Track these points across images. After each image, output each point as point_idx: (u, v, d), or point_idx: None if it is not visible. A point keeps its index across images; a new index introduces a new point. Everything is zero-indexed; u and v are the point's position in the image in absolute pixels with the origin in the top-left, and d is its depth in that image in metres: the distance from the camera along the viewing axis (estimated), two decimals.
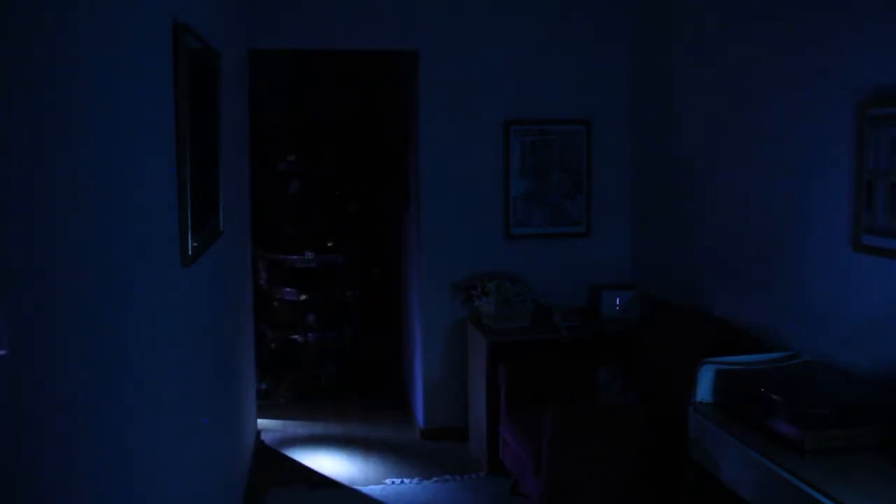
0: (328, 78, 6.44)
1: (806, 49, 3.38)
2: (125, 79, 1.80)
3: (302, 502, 4.25)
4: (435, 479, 4.49)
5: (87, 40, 1.52)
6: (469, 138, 4.98)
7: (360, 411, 5.63)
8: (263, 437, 5.08)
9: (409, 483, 4.44)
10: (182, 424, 2.42)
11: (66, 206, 1.39)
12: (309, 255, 6.06)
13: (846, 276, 3.15)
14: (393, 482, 4.45)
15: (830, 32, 3.23)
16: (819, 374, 3.06)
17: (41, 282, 1.26)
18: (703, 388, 3.12)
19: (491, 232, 5.05)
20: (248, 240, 4.69)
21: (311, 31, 4.78)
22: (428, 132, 4.95)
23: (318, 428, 5.33)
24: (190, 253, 2.38)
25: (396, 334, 6.18)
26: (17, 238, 1.17)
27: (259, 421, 5.18)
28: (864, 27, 3.05)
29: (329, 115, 6.54)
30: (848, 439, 2.62)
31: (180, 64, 2.29)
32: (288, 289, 6.03)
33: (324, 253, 6.19)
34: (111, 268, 1.65)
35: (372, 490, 4.36)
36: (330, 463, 4.74)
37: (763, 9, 3.71)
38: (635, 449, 3.60)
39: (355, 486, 4.41)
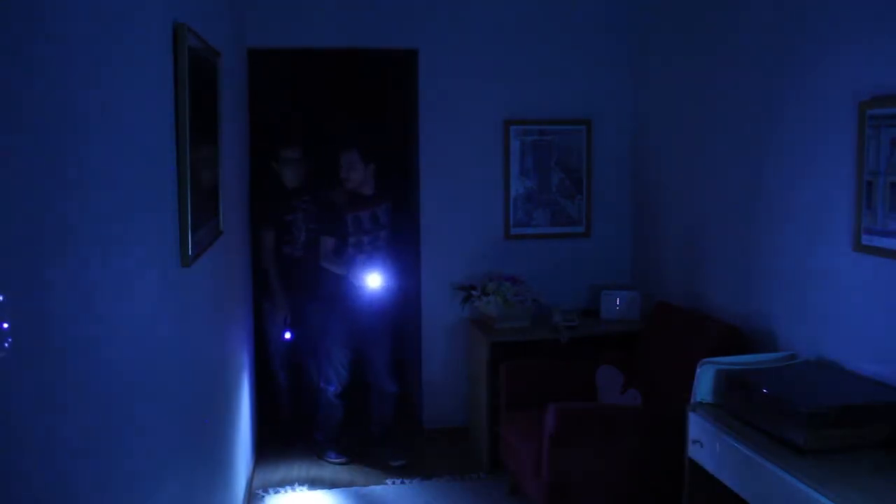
0: (327, 78, 6.43)
1: (806, 49, 3.39)
2: (125, 79, 1.80)
3: (302, 502, 4.25)
4: (435, 479, 4.49)
5: (88, 40, 1.52)
6: (469, 138, 4.98)
7: (360, 411, 5.62)
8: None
9: (409, 483, 4.44)
10: (181, 425, 2.42)
11: (66, 205, 1.39)
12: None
13: (846, 276, 3.15)
14: (393, 482, 4.45)
15: (831, 33, 3.23)
16: (819, 374, 3.06)
17: (41, 281, 1.26)
18: (703, 389, 3.12)
19: (491, 232, 5.05)
20: (247, 239, 4.68)
21: (311, 29, 4.78)
22: (428, 132, 4.95)
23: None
24: (190, 253, 2.38)
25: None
26: (17, 238, 1.17)
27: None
28: (865, 28, 3.05)
29: (329, 113, 6.53)
30: (848, 439, 2.62)
31: (180, 64, 2.29)
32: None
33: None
34: (111, 267, 1.65)
35: (372, 490, 4.36)
36: (330, 462, 4.73)
37: (764, 9, 3.71)
38: (635, 449, 3.60)
39: (355, 486, 4.41)
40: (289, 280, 4.77)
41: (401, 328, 4.90)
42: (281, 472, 4.59)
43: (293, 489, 4.37)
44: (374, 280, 4.44)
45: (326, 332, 4.62)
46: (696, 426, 3.05)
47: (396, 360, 4.82)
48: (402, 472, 4.55)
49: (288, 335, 4.78)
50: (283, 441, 4.81)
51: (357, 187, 4.52)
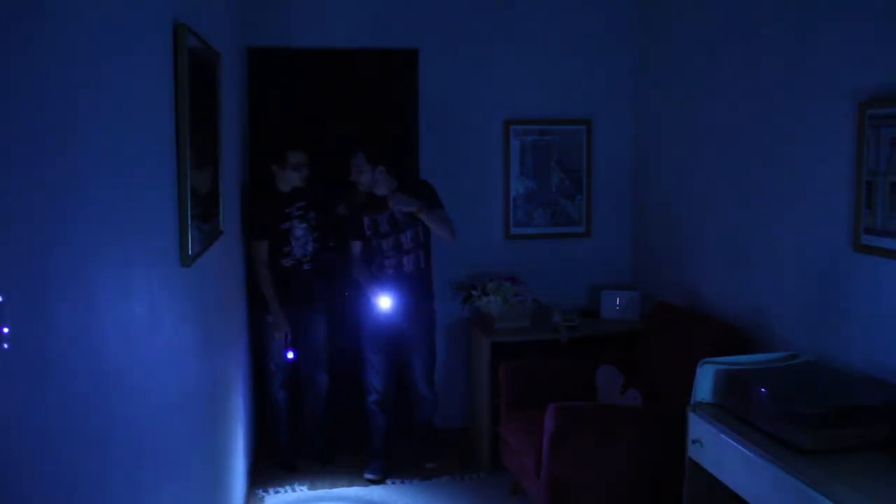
0: (326, 78, 6.43)
1: (806, 49, 3.39)
2: (125, 78, 1.80)
3: (302, 502, 4.25)
4: (435, 479, 4.49)
5: (88, 40, 1.52)
6: (469, 138, 4.98)
7: (359, 412, 5.61)
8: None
9: (409, 483, 4.44)
10: (181, 425, 2.42)
11: (67, 205, 1.39)
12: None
13: (846, 276, 3.15)
14: (393, 482, 4.45)
15: (831, 33, 3.23)
16: (819, 374, 3.06)
17: (42, 281, 1.26)
18: (703, 389, 3.12)
19: (491, 232, 5.05)
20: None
21: (311, 29, 4.78)
22: (427, 132, 4.95)
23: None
24: (190, 253, 2.38)
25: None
26: (18, 238, 1.17)
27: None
28: (865, 28, 3.05)
29: (329, 114, 6.52)
30: (848, 439, 2.62)
31: (180, 64, 2.29)
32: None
33: (322, 253, 6.14)
34: (112, 267, 1.65)
35: (372, 490, 4.36)
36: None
37: (764, 10, 3.71)
38: (635, 449, 3.60)
39: (355, 486, 4.40)
40: (288, 293, 4.41)
41: (433, 332, 4.66)
42: (280, 472, 4.58)
43: (293, 489, 4.37)
44: (384, 302, 4.28)
45: (362, 341, 4.49)
46: (696, 426, 3.05)
47: (434, 366, 4.61)
48: (404, 473, 4.55)
49: (291, 355, 4.43)
50: (281, 465, 4.58)
51: (368, 189, 4.36)
